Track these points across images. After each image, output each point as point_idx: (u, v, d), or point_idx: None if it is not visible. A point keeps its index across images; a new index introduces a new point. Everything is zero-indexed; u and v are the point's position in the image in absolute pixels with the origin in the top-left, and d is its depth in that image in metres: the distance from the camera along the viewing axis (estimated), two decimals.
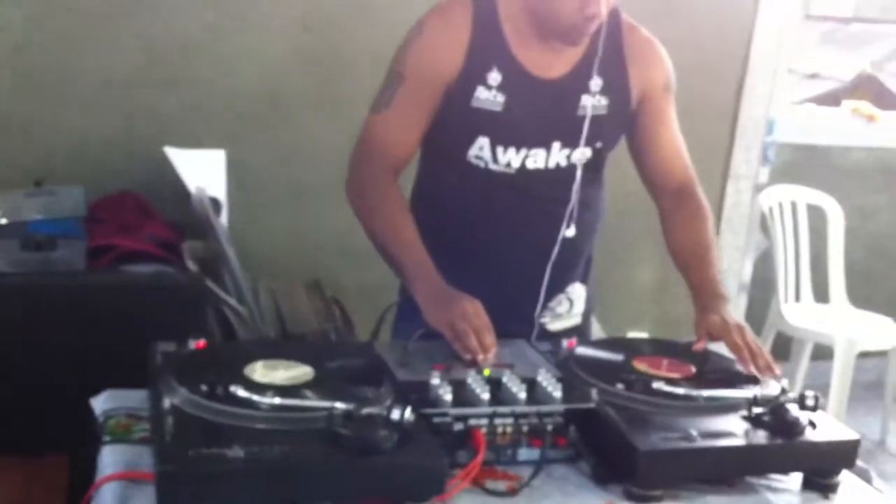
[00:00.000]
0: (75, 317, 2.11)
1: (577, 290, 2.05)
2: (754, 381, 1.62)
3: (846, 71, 7.35)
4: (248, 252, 2.75)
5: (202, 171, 2.67)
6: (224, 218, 2.67)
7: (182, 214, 2.66)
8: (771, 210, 3.84)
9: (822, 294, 4.00)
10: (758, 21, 3.59)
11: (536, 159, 1.89)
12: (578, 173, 1.91)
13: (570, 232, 1.94)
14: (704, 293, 1.86)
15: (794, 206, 3.93)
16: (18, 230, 2.31)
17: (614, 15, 1.92)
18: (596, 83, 1.89)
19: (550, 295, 1.99)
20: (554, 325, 2.02)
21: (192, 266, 2.37)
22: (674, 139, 2.02)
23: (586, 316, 2.10)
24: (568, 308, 2.04)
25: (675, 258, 1.98)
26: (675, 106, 2.00)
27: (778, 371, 1.66)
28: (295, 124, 3.05)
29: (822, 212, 3.99)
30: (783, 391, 1.53)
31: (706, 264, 1.91)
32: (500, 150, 1.87)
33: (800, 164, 4.08)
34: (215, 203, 2.61)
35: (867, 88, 7.11)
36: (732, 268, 3.84)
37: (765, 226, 3.86)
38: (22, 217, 2.35)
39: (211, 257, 2.50)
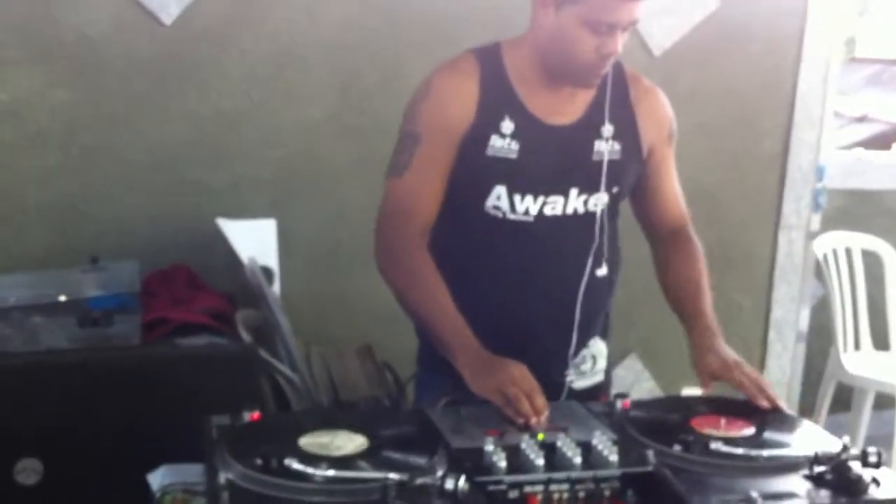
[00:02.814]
0: (131, 391, 2.12)
1: (599, 346, 2.05)
2: (815, 435, 1.60)
3: (894, 112, 7.28)
4: (300, 319, 2.75)
5: (254, 240, 2.69)
6: (276, 286, 2.70)
7: (233, 284, 2.69)
8: (825, 257, 3.79)
9: (881, 341, 3.92)
10: (802, 67, 3.58)
11: (555, 206, 1.90)
12: (599, 215, 1.92)
13: (602, 271, 1.94)
14: (698, 330, 1.89)
15: (848, 252, 3.87)
16: (76, 307, 2.34)
17: (617, 66, 1.95)
18: (608, 129, 1.92)
19: (576, 350, 1.99)
20: (579, 384, 2.02)
21: (245, 336, 2.39)
22: (674, 187, 2.06)
23: (608, 372, 2.10)
24: (591, 365, 2.03)
25: (666, 295, 2.01)
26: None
27: (783, 403, 1.73)
28: (338, 191, 3.09)
29: (877, 257, 3.92)
30: (845, 448, 1.49)
31: (698, 300, 1.94)
32: (517, 198, 1.88)
33: (852, 209, 4.03)
34: (267, 272, 2.64)
35: None
36: (788, 318, 3.78)
37: (820, 274, 3.81)
38: (79, 294, 2.39)
39: (264, 326, 2.52)
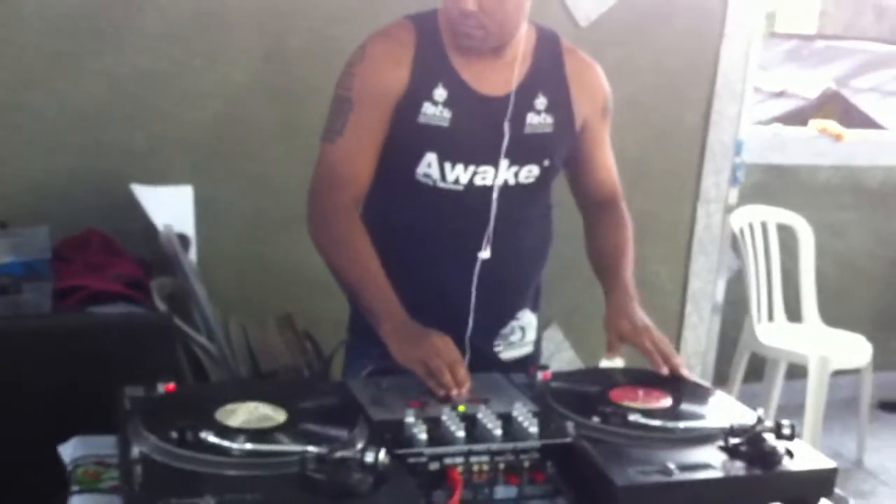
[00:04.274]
0: (42, 360, 2.07)
1: (528, 318, 2.06)
2: (730, 406, 1.63)
3: (811, 88, 7.44)
4: (218, 287, 2.72)
5: (170, 207, 2.64)
6: (193, 254, 2.65)
7: (150, 251, 2.63)
8: (742, 231, 3.87)
9: (794, 313, 4.02)
10: (724, 41, 3.62)
11: (485, 177, 1.89)
12: (494, 195, 1.91)
13: (484, 254, 1.92)
14: (615, 293, 1.92)
15: (764, 226, 3.95)
16: None
17: (553, 38, 1.97)
18: (541, 102, 1.92)
19: (501, 322, 2.00)
20: (507, 354, 2.03)
21: (160, 305, 2.34)
22: (607, 160, 2.08)
23: (537, 344, 2.12)
24: (521, 337, 2.04)
25: (592, 262, 2.04)
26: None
27: (687, 372, 1.77)
28: (260, 156, 3.04)
29: (792, 231, 4.01)
30: (759, 420, 1.52)
31: (621, 266, 1.97)
32: (447, 166, 1.87)
33: (768, 184, 4.11)
34: (183, 239, 2.59)
35: (833, 105, 7.20)
36: (705, 289, 3.85)
37: (736, 247, 3.88)
38: None
39: (180, 295, 2.47)
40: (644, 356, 1.79)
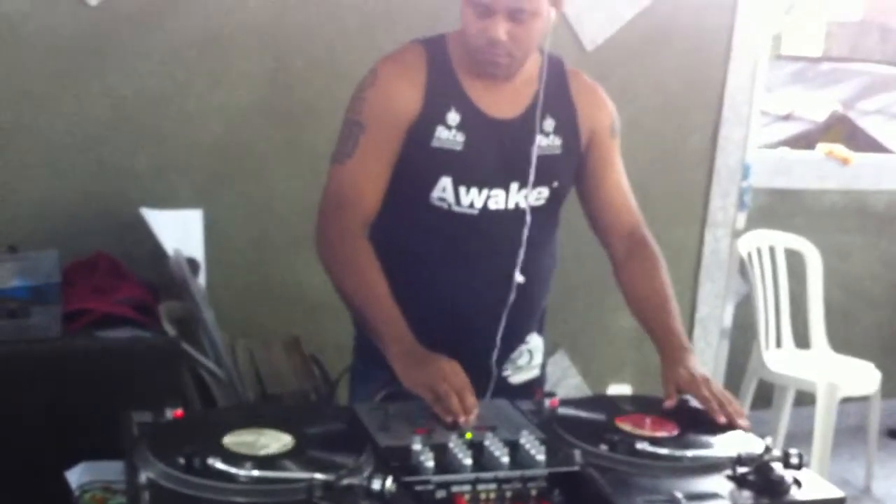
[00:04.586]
0: (50, 384, 2.07)
1: (536, 341, 2.06)
2: (738, 435, 1.62)
3: (818, 110, 7.46)
4: (225, 310, 2.72)
5: (179, 231, 2.65)
6: (202, 278, 2.65)
7: (157, 274, 2.64)
8: (749, 255, 3.86)
9: (802, 339, 4.00)
10: (731, 64, 3.62)
11: (498, 200, 1.90)
12: (528, 218, 1.92)
13: (520, 278, 1.93)
14: (669, 346, 1.86)
15: (772, 250, 3.95)
16: None
17: (557, 61, 1.98)
18: (549, 123, 1.93)
19: (511, 346, 1.99)
20: (516, 378, 2.03)
21: (168, 329, 2.34)
22: (620, 182, 2.04)
23: (543, 367, 2.11)
24: (528, 360, 2.04)
25: (632, 307, 1.99)
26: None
27: (745, 419, 1.68)
28: (264, 179, 3.05)
29: (800, 256, 4.00)
30: (767, 449, 1.52)
31: (666, 314, 1.92)
32: (462, 190, 1.87)
33: (776, 208, 4.11)
34: (193, 263, 2.59)
35: (840, 128, 7.21)
36: (713, 314, 3.84)
37: (744, 271, 3.87)
38: None
39: (188, 319, 2.47)
40: (701, 404, 1.73)
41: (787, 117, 7.65)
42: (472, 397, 1.63)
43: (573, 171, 1.99)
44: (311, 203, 1.94)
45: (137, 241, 2.69)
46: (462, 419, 1.59)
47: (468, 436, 1.54)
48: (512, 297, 1.93)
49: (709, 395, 1.72)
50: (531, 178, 1.90)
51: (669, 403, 1.74)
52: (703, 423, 1.68)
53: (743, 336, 3.93)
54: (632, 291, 1.99)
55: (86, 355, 2.16)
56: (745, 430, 1.66)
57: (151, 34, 2.85)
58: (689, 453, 1.52)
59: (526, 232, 1.92)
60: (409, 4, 3.06)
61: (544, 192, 1.93)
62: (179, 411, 1.56)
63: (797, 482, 1.45)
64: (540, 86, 1.92)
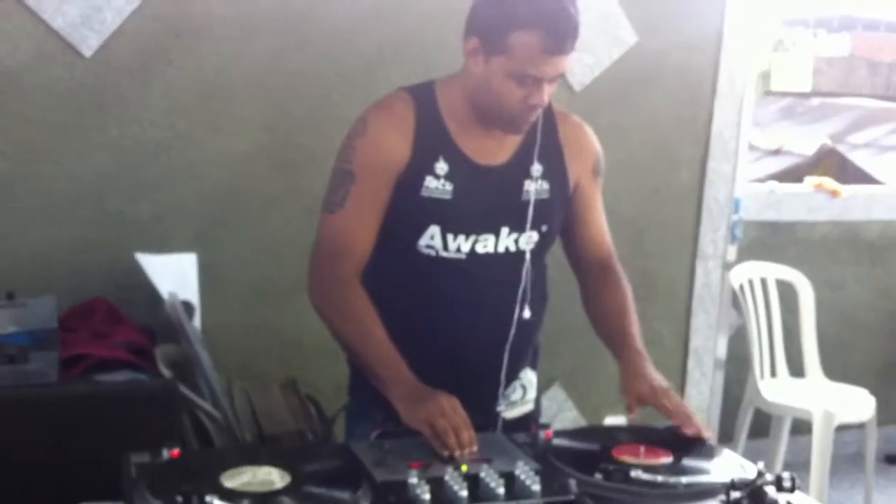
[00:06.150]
0: (48, 429, 2.08)
1: (529, 376, 2.07)
2: (731, 461, 1.63)
3: (807, 145, 7.52)
4: (222, 353, 2.73)
5: (174, 275, 2.67)
6: (197, 321, 2.67)
7: (154, 318, 2.65)
8: (742, 287, 3.88)
9: (796, 368, 4.02)
10: (717, 101, 3.67)
11: (486, 244, 1.92)
12: (528, 256, 1.94)
13: (526, 314, 1.96)
14: (626, 353, 1.90)
15: (763, 282, 3.97)
16: None
17: (547, 105, 1.98)
18: (537, 169, 1.95)
19: (507, 382, 2.00)
20: (510, 413, 2.04)
21: (165, 372, 2.36)
22: (600, 221, 2.09)
23: (537, 401, 2.13)
24: (521, 395, 2.06)
25: (595, 326, 2.03)
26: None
27: (709, 433, 1.76)
28: (262, 224, 3.08)
29: (791, 287, 4.03)
30: (760, 474, 1.53)
31: (625, 326, 1.96)
32: (450, 237, 1.89)
33: (766, 240, 4.14)
34: (188, 307, 2.61)
35: (830, 161, 7.27)
36: (707, 346, 3.86)
37: (737, 303, 3.90)
38: None
39: (184, 362, 2.49)
40: (665, 416, 1.78)
41: (776, 152, 7.70)
42: (470, 433, 1.65)
43: (562, 214, 2.01)
44: (309, 247, 1.96)
45: (135, 285, 2.71)
46: (458, 454, 1.61)
47: (464, 468, 1.55)
48: (512, 332, 1.94)
49: (670, 407, 1.77)
50: (528, 223, 1.92)
51: (632, 416, 1.79)
52: (696, 450, 1.70)
53: (737, 367, 3.94)
54: (595, 312, 2.04)
55: (84, 399, 2.18)
56: (710, 440, 1.74)
57: (151, 86, 2.89)
58: (684, 480, 1.54)
59: (527, 271, 1.94)
60: (405, 48, 3.11)
61: (534, 236, 1.95)
62: (176, 451, 1.58)
63: None
64: (537, 134, 1.94)
